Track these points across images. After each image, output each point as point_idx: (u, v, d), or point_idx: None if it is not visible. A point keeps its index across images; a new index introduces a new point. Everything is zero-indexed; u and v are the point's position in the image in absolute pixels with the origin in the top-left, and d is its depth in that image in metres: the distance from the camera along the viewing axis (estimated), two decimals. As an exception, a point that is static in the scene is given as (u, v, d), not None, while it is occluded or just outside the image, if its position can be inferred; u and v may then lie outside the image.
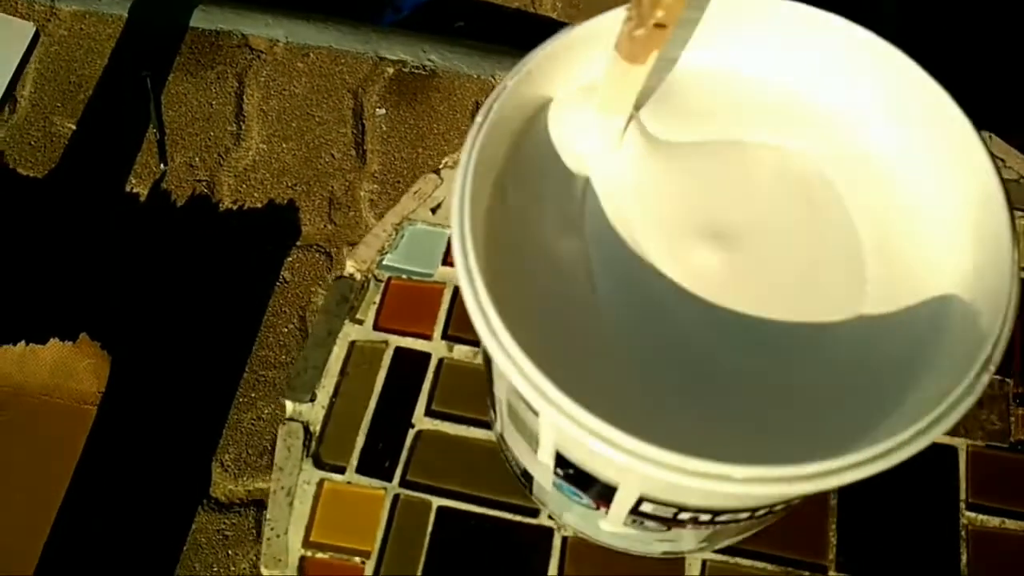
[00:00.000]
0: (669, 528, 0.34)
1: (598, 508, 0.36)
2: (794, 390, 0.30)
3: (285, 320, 0.96)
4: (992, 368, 0.26)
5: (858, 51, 0.33)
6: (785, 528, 0.43)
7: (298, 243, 1.00)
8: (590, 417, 0.26)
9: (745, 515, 0.33)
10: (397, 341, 0.46)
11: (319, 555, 0.42)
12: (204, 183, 1.03)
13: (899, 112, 0.33)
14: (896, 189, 0.33)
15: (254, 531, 0.85)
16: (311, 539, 0.42)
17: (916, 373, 0.29)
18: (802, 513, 0.43)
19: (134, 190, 1.03)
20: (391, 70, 1.10)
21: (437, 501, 0.42)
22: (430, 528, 0.42)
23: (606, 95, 0.32)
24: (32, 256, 0.98)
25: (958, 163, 0.30)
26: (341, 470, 0.43)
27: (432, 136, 1.07)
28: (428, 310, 0.46)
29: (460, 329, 0.44)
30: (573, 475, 0.33)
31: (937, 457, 0.44)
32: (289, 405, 0.44)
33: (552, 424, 0.26)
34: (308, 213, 1.02)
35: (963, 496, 0.43)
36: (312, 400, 0.44)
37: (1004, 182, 0.28)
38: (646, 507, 0.32)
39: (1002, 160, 0.50)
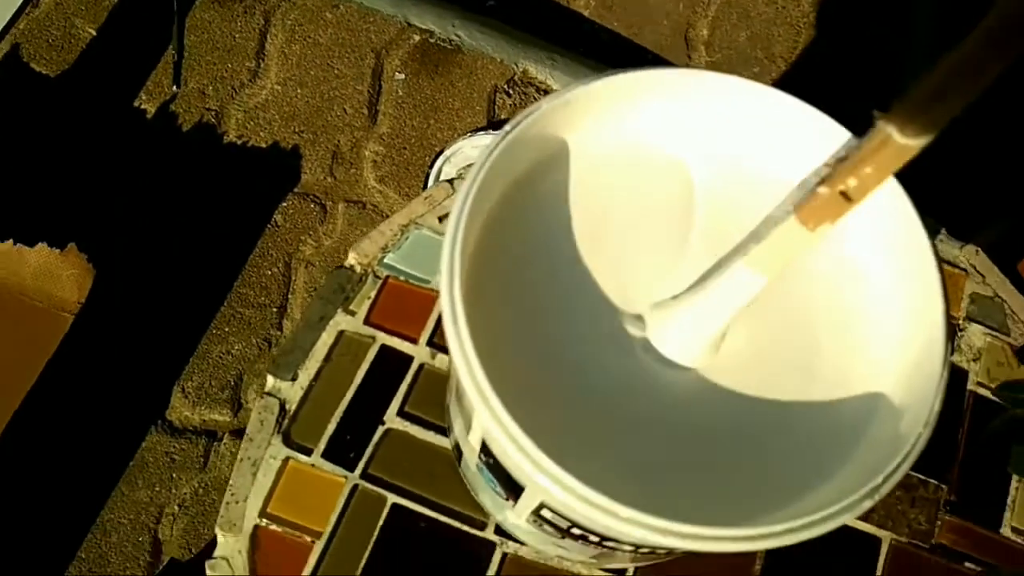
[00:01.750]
0: (563, 537, 0.37)
1: (508, 500, 0.39)
2: (729, 458, 0.33)
3: (271, 263, 0.97)
4: (878, 496, 0.28)
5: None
6: (707, 583, 0.46)
7: (295, 190, 1.01)
8: (510, 421, 0.28)
9: (628, 548, 0.36)
10: (384, 339, 0.48)
11: (272, 527, 0.44)
12: (213, 112, 1.04)
13: (871, 224, 0.35)
14: (859, 288, 0.35)
15: (201, 459, 0.88)
16: (268, 511, 0.44)
17: (838, 465, 0.32)
18: (729, 571, 0.46)
19: (142, 106, 1.03)
20: (417, 37, 1.10)
21: (393, 498, 0.45)
22: (381, 522, 0.44)
23: (763, 248, 0.30)
24: (34, 156, 0.98)
25: (917, 286, 0.33)
26: (308, 452, 0.45)
27: (446, 110, 1.08)
28: (419, 314, 0.48)
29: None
30: (492, 464, 0.36)
31: (862, 543, 0.47)
32: (270, 380, 0.46)
33: (479, 415, 0.29)
34: (310, 162, 1.03)
35: (875, 585, 0.46)
36: (293, 379, 0.46)
37: (948, 309, 0.31)
38: (546, 513, 0.35)
39: (982, 276, 0.53)
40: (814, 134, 0.35)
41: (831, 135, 0.34)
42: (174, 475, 0.88)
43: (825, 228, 0.27)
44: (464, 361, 0.30)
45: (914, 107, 0.23)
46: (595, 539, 0.35)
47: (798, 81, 1.13)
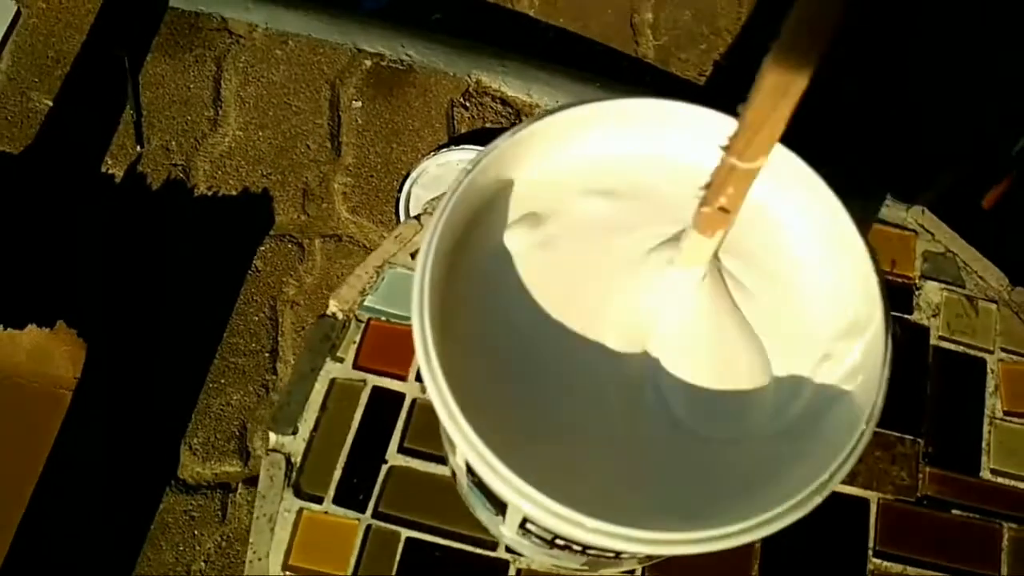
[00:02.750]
0: (551, 547, 0.40)
1: (498, 515, 0.41)
2: (693, 466, 0.35)
3: (256, 309, 0.99)
4: (826, 492, 0.30)
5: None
6: (715, 568, 0.48)
7: (271, 232, 1.03)
8: (480, 443, 0.31)
9: (611, 555, 0.38)
10: (374, 380, 0.50)
11: (296, 577, 0.46)
12: (180, 167, 1.05)
13: (812, 221, 0.38)
14: (804, 296, 0.38)
15: (220, 513, 0.90)
16: (290, 563, 0.46)
17: (794, 462, 0.34)
18: (729, 553, 0.48)
19: (110, 171, 1.05)
20: (368, 63, 1.12)
21: (406, 532, 0.47)
22: (398, 557, 0.47)
23: (685, 255, 0.36)
24: (6, 236, 0.99)
25: (855, 283, 0.35)
26: (319, 500, 0.47)
27: (407, 132, 1.09)
28: (405, 351, 0.50)
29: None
30: (479, 483, 0.39)
31: (851, 507, 0.49)
32: (272, 437, 0.48)
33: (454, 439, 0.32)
34: (282, 203, 1.05)
35: (871, 544, 0.49)
36: (294, 433, 0.49)
37: (888, 309, 0.33)
38: (530, 526, 0.38)
39: (931, 234, 0.55)
40: (713, 128, 0.38)
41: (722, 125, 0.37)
42: (196, 532, 0.90)
43: (720, 233, 0.33)
44: (436, 389, 0.33)
45: (743, 140, 0.28)
46: (578, 548, 0.37)
47: (744, 52, 1.15)
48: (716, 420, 0.35)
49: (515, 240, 0.39)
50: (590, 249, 0.39)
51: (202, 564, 0.88)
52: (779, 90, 0.26)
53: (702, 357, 0.37)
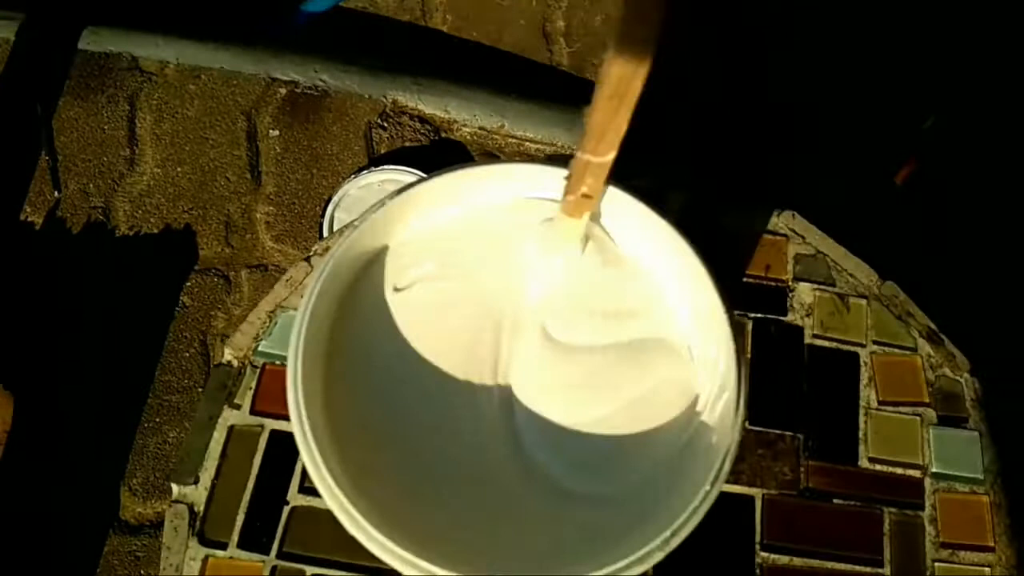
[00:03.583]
0: None
1: None
2: (546, 519, 0.38)
3: (186, 345, 0.99)
4: (669, 548, 0.35)
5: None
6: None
7: (196, 267, 1.04)
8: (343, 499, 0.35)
9: None
10: (272, 424, 0.51)
11: (206, 623, 0.48)
12: (99, 209, 1.05)
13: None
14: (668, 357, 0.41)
15: (164, 550, 0.91)
16: (199, 609, 0.48)
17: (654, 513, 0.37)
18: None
19: (29, 219, 1.04)
20: (283, 91, 1.12)
21: (311, 570, 0.49)
22: (305, 595, 0.49)
23: (553, 237, 0.41)
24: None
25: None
26: (223, 546, 0.49)
27: (326, 157, 1.10)
28: (300, 393, 0.52)
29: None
30: None
31: (737, 505, 0.52)
32: (175, 488, 0.50)
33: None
34: (205, 237, 1.05)
35: (759, 538, 0.51)
36: (196, 483, 0.50)
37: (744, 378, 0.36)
38: None
39: (802, 237, 0.57)
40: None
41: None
42: (141, 572, 0.91)
43: (587, 215, 0.38)
44: (305, 446, 0.35)
45: (593, 140, 0.32)
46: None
47: (658, 52, 1.18)
48: (573, 473, 0.38)
49: (397, 286, 0.42)
50: (459, 286, 0.42)
51: (148, 604, 0.89)
52: (617, 96, 0.30)
53: (564, 408, 0.40)
